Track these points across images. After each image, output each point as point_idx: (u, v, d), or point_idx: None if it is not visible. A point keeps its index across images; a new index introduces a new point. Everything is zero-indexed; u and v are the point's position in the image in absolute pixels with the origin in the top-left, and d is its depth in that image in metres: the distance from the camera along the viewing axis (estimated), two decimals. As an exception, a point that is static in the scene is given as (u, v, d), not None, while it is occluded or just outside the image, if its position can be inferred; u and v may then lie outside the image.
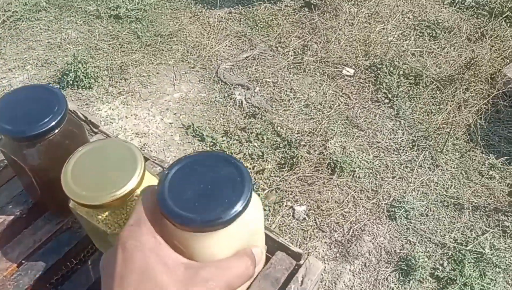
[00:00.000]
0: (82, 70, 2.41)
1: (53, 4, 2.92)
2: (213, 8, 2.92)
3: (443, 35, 2.76)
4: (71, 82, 2.41)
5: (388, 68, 2.51)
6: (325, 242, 1.89)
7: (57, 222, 0.70)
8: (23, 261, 0.66)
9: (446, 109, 2.35)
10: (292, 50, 2.66)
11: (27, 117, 0.61)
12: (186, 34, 2.74)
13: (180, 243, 0.36)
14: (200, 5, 2.94)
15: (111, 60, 2.56)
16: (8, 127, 0.60)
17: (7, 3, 2.89)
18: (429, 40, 2.74)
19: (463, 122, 2.32)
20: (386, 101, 2.41)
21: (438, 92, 2.44)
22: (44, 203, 0.71)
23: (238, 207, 0.36)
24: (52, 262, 0.65)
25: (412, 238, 1.91)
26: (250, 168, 2.10)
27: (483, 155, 2.20)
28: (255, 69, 2.56)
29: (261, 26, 2.79)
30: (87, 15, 2.85)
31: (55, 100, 0.64)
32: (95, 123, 0.89)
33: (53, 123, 0.61)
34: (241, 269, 0.36)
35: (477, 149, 2.22)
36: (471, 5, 2.95)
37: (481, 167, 2.15)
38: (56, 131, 0.62)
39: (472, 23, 2.86)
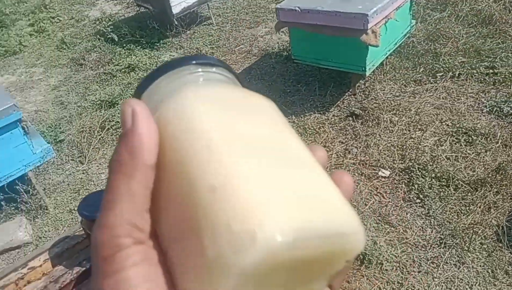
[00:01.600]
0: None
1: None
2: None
3: (479, 141, 2.98)
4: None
5: (421, 171, 2.77)
6: (348, 327, 2.09)
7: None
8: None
9: (476, 210, 2.52)
10: (335, 153, 3.05)
11: (97, 206, 1.08)
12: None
13: None
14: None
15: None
16: (85, 213, 1.08)
17: (112, 115, 3.70)
18: (465, 145, 2.97)
19: (492, 222, 2.46)
20: (418, 201, 2.65)
21: (468, 194, 2.62)
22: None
23: None
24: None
25: (431, 330, 2.04)
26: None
27: (511, 255, 2.31)
28: (302, 170, 2.96)
29: (310, 132, 3.24)
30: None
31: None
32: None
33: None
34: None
35: (505, 249, 2.33)
36: (510, 113, 3.17)
37: (508, 267, 2.26)
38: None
39: (509, 129, 3.05)
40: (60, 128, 3.66)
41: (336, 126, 3.28)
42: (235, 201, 0.23)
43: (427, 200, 2.64)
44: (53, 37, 5.36)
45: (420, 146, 2.98)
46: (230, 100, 0.30)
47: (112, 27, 5.02)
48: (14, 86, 4.53)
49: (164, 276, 0.27)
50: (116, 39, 4.81)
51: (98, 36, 5.07)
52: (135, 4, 5.25)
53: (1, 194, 2.80)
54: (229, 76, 0.33)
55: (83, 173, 3.25)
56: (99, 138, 3.50)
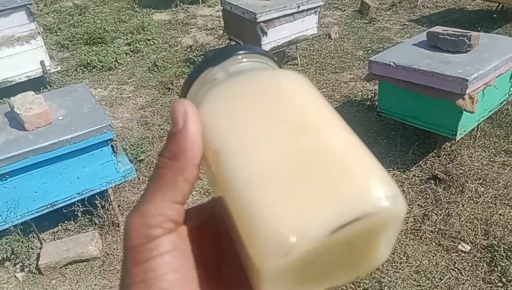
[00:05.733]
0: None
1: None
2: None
3: None
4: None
5: (506, 252, 2.56)
6: None
7: None
8: None
9: None
10: (412, 216, 2.90)
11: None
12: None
13: None
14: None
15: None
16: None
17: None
18: (560, 231, 2.72)
19: None
20: (500, 284, 2.44)
21: (561, 287, 2.38)
22: None
23: None
24: None
25: None
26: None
27: None
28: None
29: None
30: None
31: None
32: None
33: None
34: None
35: None
36: None
37: None
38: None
39: None
40: (142, 148, 3.83)
41: (416, 187, 3.14)
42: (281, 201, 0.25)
43: (511, 285, 2.42)
44: (146, 58, 5.69)
45: (507, 224, 2.76)
46: (259, 95, 0.31)
47: (202, 56, 5.24)
48: (105, 101, 4.83)
49: (192, 264, 0.29)
50: (204, 68, 4.98)
51: (188, 63, 5.31)
52: (226, 37, 5.46)
53: (81, 206, 2.95)
54: (263, 60, 0.35)
55: (157, 195, 3.34)
56: (176, 163, 3.60)
